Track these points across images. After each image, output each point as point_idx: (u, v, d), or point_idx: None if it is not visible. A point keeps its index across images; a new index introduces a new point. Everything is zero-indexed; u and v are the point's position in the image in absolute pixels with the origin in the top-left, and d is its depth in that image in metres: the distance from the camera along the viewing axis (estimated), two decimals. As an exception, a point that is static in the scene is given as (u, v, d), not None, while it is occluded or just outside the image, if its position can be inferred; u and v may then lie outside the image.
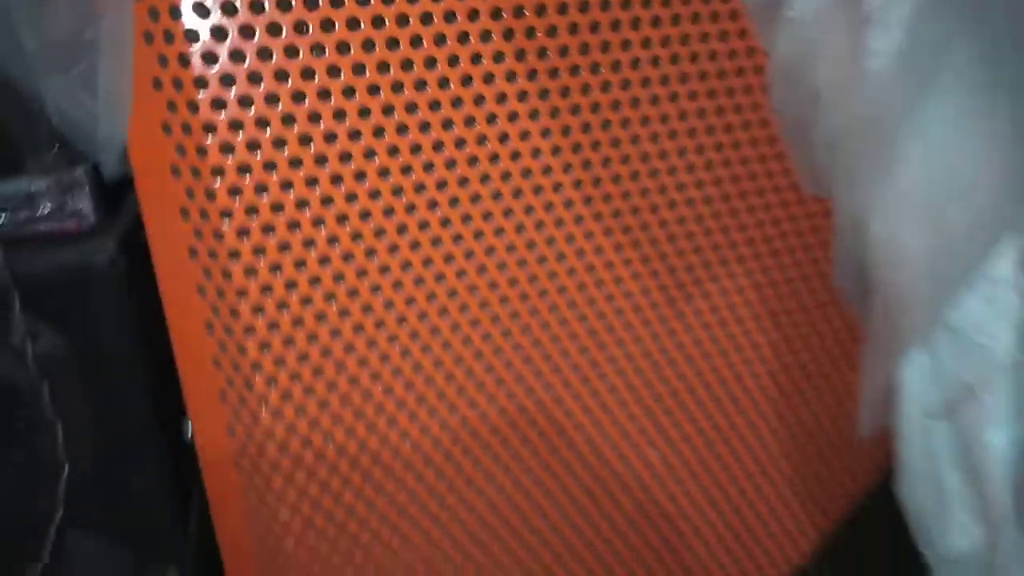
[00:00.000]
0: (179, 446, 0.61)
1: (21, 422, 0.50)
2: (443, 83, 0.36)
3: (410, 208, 0.37)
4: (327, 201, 0.36)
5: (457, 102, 0.37)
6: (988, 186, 0.32)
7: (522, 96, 0.37)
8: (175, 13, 0.32)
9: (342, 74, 0.35)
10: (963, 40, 0.30)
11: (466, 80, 0.37)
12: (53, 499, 0.51)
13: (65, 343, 0.49)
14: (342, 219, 0.36)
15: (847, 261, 0.39)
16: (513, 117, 0.38)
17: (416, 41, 0.35)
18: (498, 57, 0.37)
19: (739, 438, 0.48)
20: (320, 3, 0.34)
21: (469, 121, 0.37)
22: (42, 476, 0.51)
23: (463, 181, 0.38)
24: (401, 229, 0.37)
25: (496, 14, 0.36)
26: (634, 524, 0.49)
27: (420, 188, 0.37)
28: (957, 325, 0.37)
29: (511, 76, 0.37)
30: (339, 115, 0.35)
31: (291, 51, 0.34)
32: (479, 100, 0.37)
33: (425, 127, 0.36)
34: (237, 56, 0.34)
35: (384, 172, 0.36)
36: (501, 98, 0.37)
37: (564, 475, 0.46)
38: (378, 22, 0.35)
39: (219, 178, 0.34)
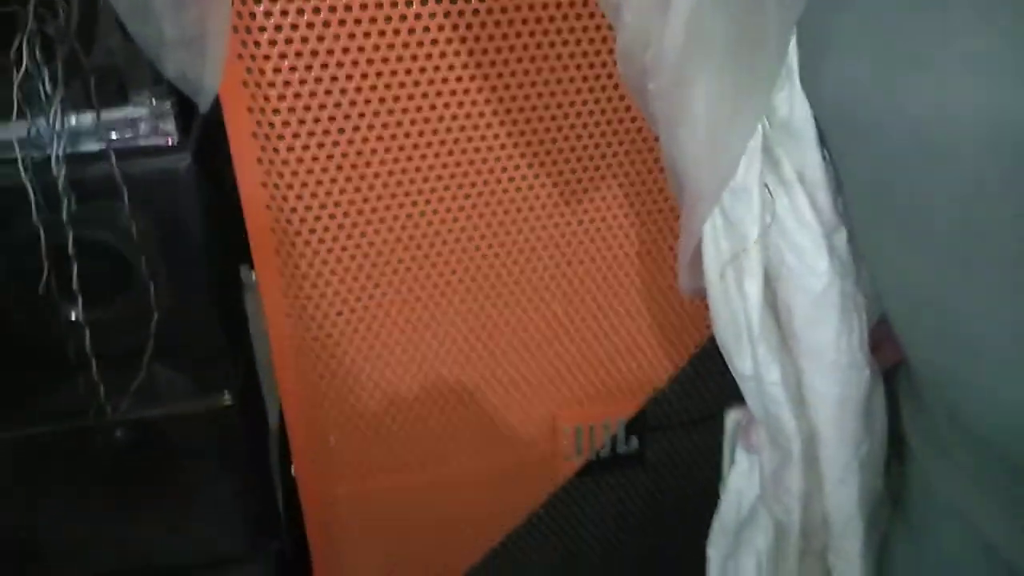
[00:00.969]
0: (235, 304, 0.81)
1: (126, 282, 0.67)
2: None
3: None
4: (342, 130, 0.58)
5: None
6: (731, 126, 0.52)
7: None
8: (252, 16, 0.53)
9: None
10: (720, 31, 0.49)
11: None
12: (146, 336, 0.68)
13: (156, 225, 0.65)
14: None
15: (671, 173, 0.53)
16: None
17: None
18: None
19: (615, 296, 0.68)
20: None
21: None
22: (139, 320, 0.67)
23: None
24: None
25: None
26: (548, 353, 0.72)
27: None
28: (725, 212, 0.53)
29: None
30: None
31: (321, 38, 0.54)
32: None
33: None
34: (288, 42, 0.54)
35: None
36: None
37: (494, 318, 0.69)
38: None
39: (276, 115, 0.55)
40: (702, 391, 0.74)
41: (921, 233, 0.44)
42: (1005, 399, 0.44)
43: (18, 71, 0.59)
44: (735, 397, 0.62)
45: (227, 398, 0.74)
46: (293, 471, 0.71)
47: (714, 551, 0.69)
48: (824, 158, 0.53)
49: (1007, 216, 0.39)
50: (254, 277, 0.63)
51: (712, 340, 0.64)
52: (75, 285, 0.64)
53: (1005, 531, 0.50)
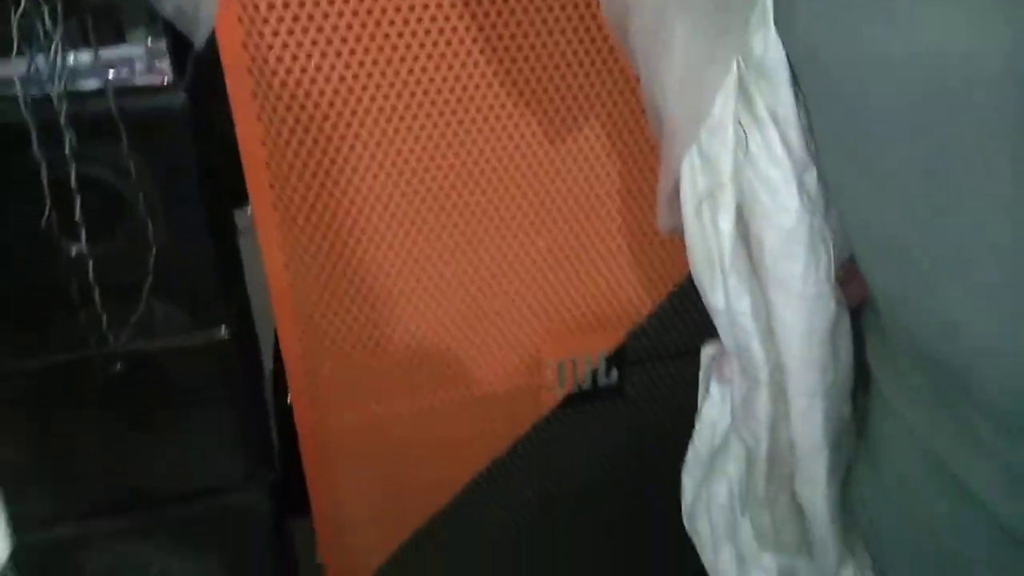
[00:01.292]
0: (229, 244, 0.83)
1: (124, 219, 0.68)
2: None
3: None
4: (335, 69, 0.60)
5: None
6: (706, 64, 0.54)
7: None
8: (246, -49, 0.54)
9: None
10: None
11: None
12: (145, 272, 0.70)
13: (151, 162, 0.66)
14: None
15: (651, 111, 0.55)
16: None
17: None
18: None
19: (597, 234, 0.70)
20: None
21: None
22: (137, 256, 0.69)
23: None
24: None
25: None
26: (533, 288, 0.74)
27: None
28: (702, 149, 0.55)
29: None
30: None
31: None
32: None
33: None
34: (280, -23, 0.56)
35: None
36: None
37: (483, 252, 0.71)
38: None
39: (270, 49, 0.57)
40: (679, 328, 0.77)
41: (879, 171, 0.47)
42: (955, 322, 0.47)
43: (16, 8, 0.60)
44: (710, 334, 0.64)
45: (223, 332, 0.76)
46: (289, 400, 0.74)
47: (688, 478, 0.73)
48: (796, 98, 0.55)
49: (958, 153, 0.41)
50: (249, 214, 0.65)
51: (690, 278, 0.66)
52: (78, 218, 0.66)
53: (955, 449, 0.53)
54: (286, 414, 0.78)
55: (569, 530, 0.88)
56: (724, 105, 0.55)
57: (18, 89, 0.62)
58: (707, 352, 0.69)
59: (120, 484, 0.82)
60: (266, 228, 0.63)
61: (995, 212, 0.41)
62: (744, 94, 0.55)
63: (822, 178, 0.55)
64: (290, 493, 0.85)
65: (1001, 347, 0.46)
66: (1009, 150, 0.39)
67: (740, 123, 0.56)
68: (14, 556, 0.80)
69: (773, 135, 0.55)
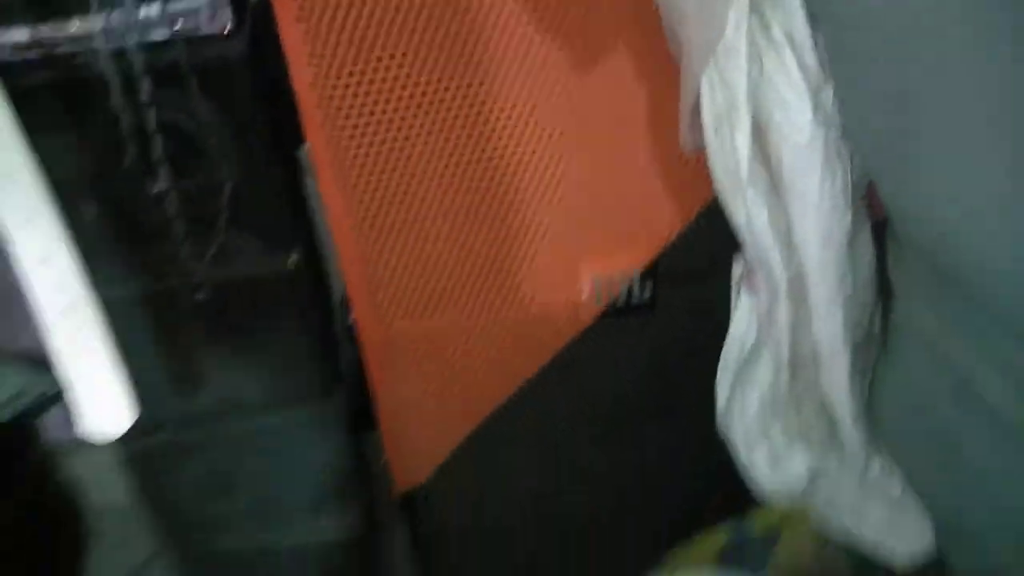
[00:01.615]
0: (296, 180, 0.86)
1: (198, 159, 0.74)
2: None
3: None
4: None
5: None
6: None
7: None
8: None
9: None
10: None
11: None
12: (219, 207, 0.77)
13: (218, 105, 0.72)
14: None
15: (670, 34, 0.60)
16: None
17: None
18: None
19: (631, 155, 0.73)
20: None
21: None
22: (211, 193, 0.76)
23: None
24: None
25: None
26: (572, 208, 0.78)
27: None
28: (719, 67, 0.57)
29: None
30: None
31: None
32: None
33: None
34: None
35: None
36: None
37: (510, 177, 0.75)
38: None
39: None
40: (709, 244, 0.80)
41: (874, 74, 0.50)
42: (949, 218, 0.50)
43: (92, -35, 0.66)
44: (739, 250, 0.68)
45: (293, 261, 0.82)
46: (352, 317, 0.81)
47: (721, 384, 0.75)
48: (809, 21, 0.56)
49: (942, 53, 0.44)
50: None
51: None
52: (157, 160, 0.73)
53: (967, 356, 0.56)
54: (355, 338, 0.85)
55: (608, 437, 0.93)
56: (737, 27, 0.57)
57: (97, 42, 0.69)
58: (738, 264, 0.72)
59: (208, 398, 0.91)
60: (322, 165, 0.70)
61: (957, 110, 0.45)
62: (760, 18, 0.57)
63: (837, 94, 0.58)
64: (360, 412, 0.93)
65: (994, 250, 0.49)
66: (965, 60, 0.43)
67: (755, 45, 0.58)
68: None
69: (789, 57, 0.58)
